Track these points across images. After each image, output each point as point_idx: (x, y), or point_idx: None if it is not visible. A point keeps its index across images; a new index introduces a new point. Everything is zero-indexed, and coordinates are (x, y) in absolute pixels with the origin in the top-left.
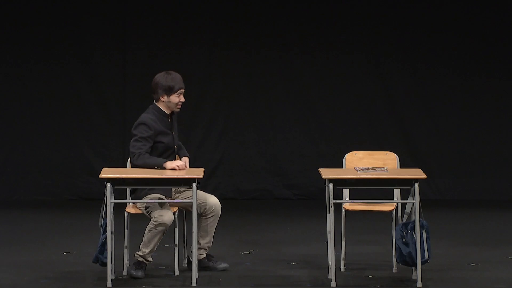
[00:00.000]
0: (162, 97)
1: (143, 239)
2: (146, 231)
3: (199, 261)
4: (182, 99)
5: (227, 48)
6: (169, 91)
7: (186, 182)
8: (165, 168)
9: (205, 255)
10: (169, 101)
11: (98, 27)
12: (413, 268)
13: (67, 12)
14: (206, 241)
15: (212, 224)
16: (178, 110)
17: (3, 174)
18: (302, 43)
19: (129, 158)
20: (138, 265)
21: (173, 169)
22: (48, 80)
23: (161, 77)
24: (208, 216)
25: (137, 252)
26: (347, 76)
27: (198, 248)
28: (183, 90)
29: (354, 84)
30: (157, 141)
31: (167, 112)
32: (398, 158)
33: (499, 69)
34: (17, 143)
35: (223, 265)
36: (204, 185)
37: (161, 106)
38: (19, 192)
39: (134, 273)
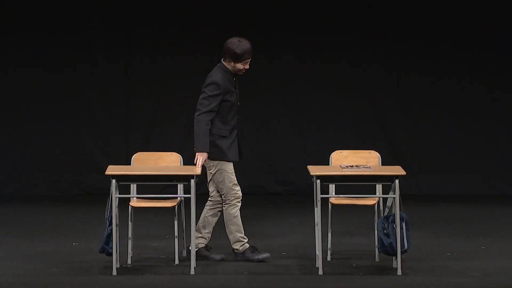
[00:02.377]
0: (229, 62)
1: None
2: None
3: (198, 251)
4: (247, 67)
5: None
6: (236, 59)
7: (185, 179)
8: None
9: (204, 245)
10: (234, 67)
11: (104, 33)
12: (393, 257)
13: (75, 20)
14: (207, 231)
15: (216, 215)
16: (241, 74)
17: (16, 171)
18: (294, 51)
19: (195, 115)
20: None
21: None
22: (57, 84)
23: (232, 44)
24: (218, 208)
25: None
26: (334, 81)
27: (199, 237)
28: (249, 60)
29: (340, 89)
30: (224, 100)
31: (232, 72)
32: (380, 156)
33: (473, 74)
34: (29, 143)
35: (219, 256)
36: (202, 181)
37: (227, 66)
38: (31, 188)
39: (260, 257)
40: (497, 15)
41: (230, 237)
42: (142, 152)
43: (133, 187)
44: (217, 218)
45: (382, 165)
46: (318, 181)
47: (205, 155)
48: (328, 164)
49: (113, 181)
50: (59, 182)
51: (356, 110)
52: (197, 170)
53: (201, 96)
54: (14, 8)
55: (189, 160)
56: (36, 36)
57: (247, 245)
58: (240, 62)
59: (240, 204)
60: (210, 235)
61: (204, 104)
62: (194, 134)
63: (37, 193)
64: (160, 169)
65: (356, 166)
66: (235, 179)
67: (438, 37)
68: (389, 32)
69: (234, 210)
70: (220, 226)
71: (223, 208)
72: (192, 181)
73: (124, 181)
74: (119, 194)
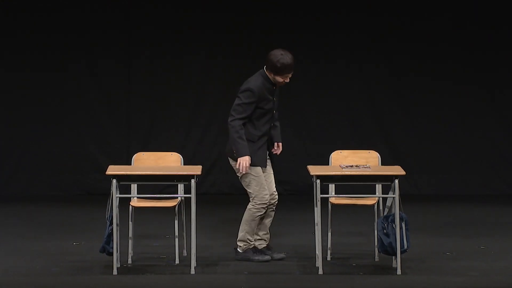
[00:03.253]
0: (270, 73)
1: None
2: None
3: (260, 250)
4: (287, 80)
5: (223, 56)
6: (276, 72)
7: (186, 179)
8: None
9: (265, 245)
10: (274, 78)
11: (105, 35)
12: (393, 257)
13: (76, 21)
14: (264, 232)
15: (269, 216)
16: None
17: (17, 171)
18: (293, 52)
19: (229, 120)
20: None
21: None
22: (58, 84)
23: (274, 56)
24: (270, 209)
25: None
26: (334, 82)
27: (258, 239)
28: (290, 75)
29: (340, 90)
30: (258, 107)
31: (272, 81)
32: (379, 156)
33: (472, 74)
34: (30, 143)
35: (280, 255)
36: (202, 181)
37: (268, 75)
38: (32, 188)
39: (260, 258)
40: (496, 15)
41: (240, 234)
42: (143, 152)
43: (134, 187)
44: (270, 218)
45: (381, 165)
46: (318, 181)
47: (247, 158)
48: (328, 164)
49: (114, 181)
50: (60, 182)
51: (356, 110)
52: (244, 173)
53: (235, 102)
54: (15, 9)
55: (189, 160)
56: (37, 36)
57: (251, 247)
58: (280, 76)
59: (264, 210)
60: (268, 235)
61: (238, 110)
62: (229, 140)
63: (38, 193)
64: (160, 169)
65: (356, 166)
66: (264, 183)
67: (437, 37)
68: (389, 33)
69: (256, 214)
70: (217, 227)
71: (248, 206)
72: (193, 181)
73: (124, 181)
74: (120, 194)
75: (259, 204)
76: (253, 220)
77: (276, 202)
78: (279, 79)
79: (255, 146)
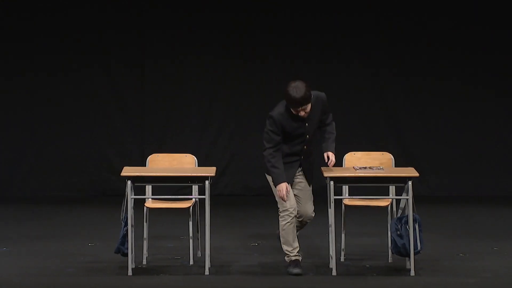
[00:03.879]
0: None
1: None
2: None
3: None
4: (301, 114)
5: (236, 59)
6: (289, 103)
7: (200, 180)
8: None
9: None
10: (291, 109)
11: (119, 39)
12: (407, 258)
13: (90, 23)
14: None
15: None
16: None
17: (34, 173)
18: (303, 54)
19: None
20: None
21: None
22: (73, 86)
23: (288, 86)
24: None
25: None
26: (347, 85)
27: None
28: (300, 108)
29: (353, 92)
30: (286, 131)
31: None
32: (393, 158)
33: (482, 76)
34: (45, 144)
35: (296, 271)
36: (216, 182)
37: None
38: (47, 189)
39: (293, 271)
40: (504, 17)
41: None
42: (157, 154)
43: (148, 188)
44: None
45: (395, 166)
46: (332, 182)
47: (283, 186)
48: (342, 166)
49: (129, 182)
50: (75, 183)
51: (369, 112)
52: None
53: (264, 130)
54: (30, 11)
55: (203, 162)
56: (51, 39)
57: (292, 259)
58: (291, 107)
59: (289, 218)
60: (298, 248)
61: (266, 139)
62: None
63: (53, 194)
64: (175, 170)
65: (369, 167)
66: (287, 194)
67: (448, 39)
68: (401, 34)
69: (282, 223)
70: (230, 228)
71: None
72: (207, 182)
73: (139, 182)
74: (135, 195)
75: (282, 211)
76: (282, 230)
77: (308, 221)
78: (294, 110)
79: (284, 161)
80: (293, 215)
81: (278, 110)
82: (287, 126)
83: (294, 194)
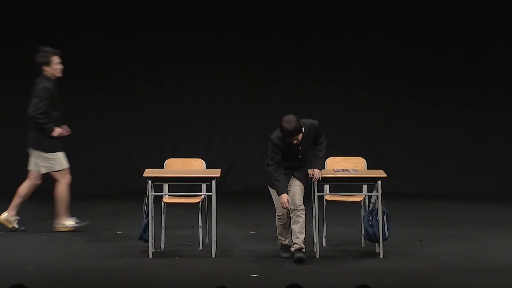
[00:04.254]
0: None
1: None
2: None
3: (285, 247)
4: (294, 142)
5: (238, 83)
6: (282, 134)
7: (208, 180)
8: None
9: (291, 245)
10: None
11: (143, 64)
12: (376, 244)
13: (113, 32)
14: (290, 236)
15: (296, 222)
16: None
17: (72, 175)
18: (294, 76)
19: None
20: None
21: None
22: (105, 105)
23: (281, 121)
24: (295, 215)
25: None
26: (329, 102)
27: (290, 240)
28: (292, 138)
29: (334, 108)
30: (284, 151)
31: None
32: (365, 162)
33: (442, 94)
34: (82, 150)
35: (285, 255)
36: (221, 182)
37: None
38: (82, 188)
39: (283, 254)
40: (469, 22)
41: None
42: (173, 158)
43: (166, 186)
44: (298, 224)
45: (367, 169)
46: (316, 182)
47: (284, 196)
48: (324, 168)
49: (149, 181)
50: (105, 183)
51: (346, 124)
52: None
53: (267, 150)
54: (55, 21)
55: (211, 165)
56: (76, 47)
57: (284, 243)
58: (285, 138)
59: (283, 221)
60: (293, 238)
61: (269, 156)
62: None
63: (87, 192)
64: (187, 172)
65: (346, 169)
66: (277, 199)
67: (412, 63)
68: (373, 58)
69: (278, 223)
70: (234, 219)
71: None
72: (213, 181)
73: (158, 181)
74: (154, 192)
75: (277, 215)
76: (278, 227)
77: (299, 211)
78: (286, 139)
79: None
80: (286, 219)
81: (276, 134)
82: (283, 147)
83: (288, 189)
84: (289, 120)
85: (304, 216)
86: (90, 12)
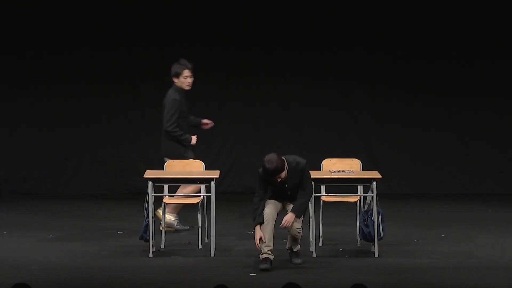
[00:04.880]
0: None
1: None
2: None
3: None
4: (278, 180)
5: (237, 89)
6: (264, 174)
7: (207, 181)
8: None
9: (298, 251)
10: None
11: (142, 55)
12: (371, 243)
13: (116, 40)
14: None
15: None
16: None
17: (75, 176)
18: (290, 81)
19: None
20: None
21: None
22: (108, 110)
23: (263, 161)
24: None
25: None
26: (325, 106)
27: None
28: (275, 177)
29: (330, 111)
30: (271, 184)
31: None
32: (361, 163)
33: (434, 97)
34: (85, 152)
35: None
36: (220, 183)
37: None
38: (85, 188)
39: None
40: (458, 28)
41: None
42: (173, 160)
43: (166, 187)
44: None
45: (362, 170)
46: (312, 182)
47: (257, 228)
48: (320, 169)
49: (150, 182)
50: (106, 184)
51: (342, 127)
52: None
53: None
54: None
55: (209, 166)
56: (84, 52)
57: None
58: (268, 177)
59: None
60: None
61: (256, 189)
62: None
63: (90, 192)
64: (187, 173)
65: (342, 171)
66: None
67: (405, 68)
68: (370, 64)
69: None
70: (233, 219)
71: None
72: (212, 183)
73: (158, 182)
74: (155, 193)
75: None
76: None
77: (295, 234)
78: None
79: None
80: (271, 222)
81: (260, 173)
82: (271, 182)
83: (286, 210)
84: (269, 160)
85: (295, 232)
86: (92, 16)
